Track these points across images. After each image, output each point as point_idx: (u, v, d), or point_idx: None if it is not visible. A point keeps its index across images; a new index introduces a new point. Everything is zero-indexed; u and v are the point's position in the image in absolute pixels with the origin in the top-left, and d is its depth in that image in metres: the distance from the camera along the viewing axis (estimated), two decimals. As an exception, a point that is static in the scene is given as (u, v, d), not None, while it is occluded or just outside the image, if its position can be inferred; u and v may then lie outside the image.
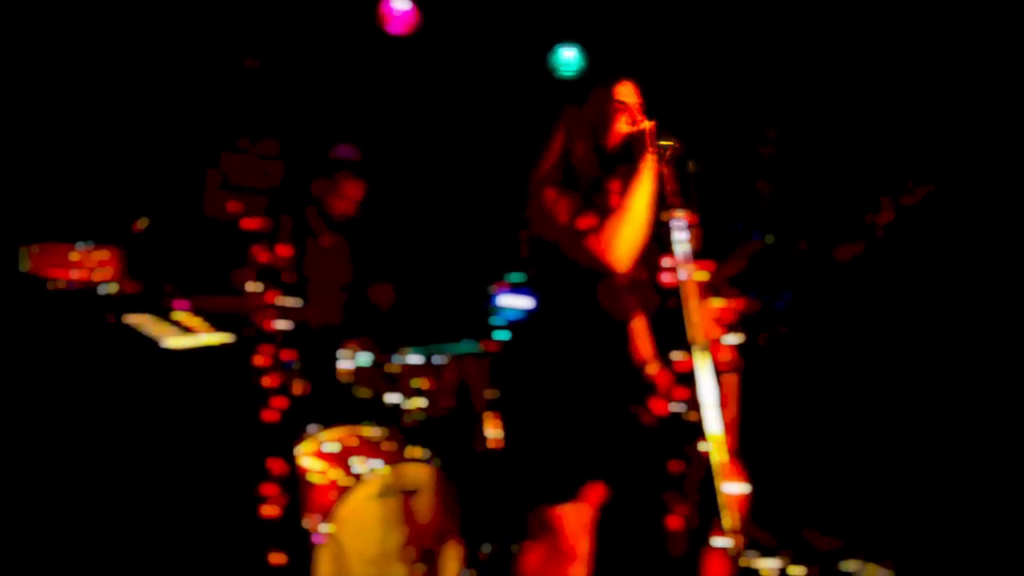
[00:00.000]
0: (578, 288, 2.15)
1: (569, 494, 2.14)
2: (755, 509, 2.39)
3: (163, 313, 2.68)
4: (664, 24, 4.01)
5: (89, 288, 2.47)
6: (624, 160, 2.12)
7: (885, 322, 3.55)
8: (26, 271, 1.75)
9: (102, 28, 3.41)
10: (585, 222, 2.08)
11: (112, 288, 2.47)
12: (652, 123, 2.05)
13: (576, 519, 2.15)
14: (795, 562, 3.27)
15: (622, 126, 2.12)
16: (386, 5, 4.02)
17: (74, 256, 1.79)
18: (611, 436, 2.17)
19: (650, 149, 2.02)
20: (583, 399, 2.17)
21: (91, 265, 1.81)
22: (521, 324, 2.33)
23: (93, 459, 2.56)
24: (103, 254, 1.82)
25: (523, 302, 2.84)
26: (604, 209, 2.12)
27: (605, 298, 2.14)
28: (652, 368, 2.17)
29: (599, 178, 2.16)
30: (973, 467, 3.36)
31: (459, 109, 4.30)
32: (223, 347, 2.60)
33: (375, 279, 3.58)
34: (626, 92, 2.16)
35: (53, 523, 2.65)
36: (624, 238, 2.02)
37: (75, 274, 1.79)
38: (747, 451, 2.34)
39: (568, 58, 4.26)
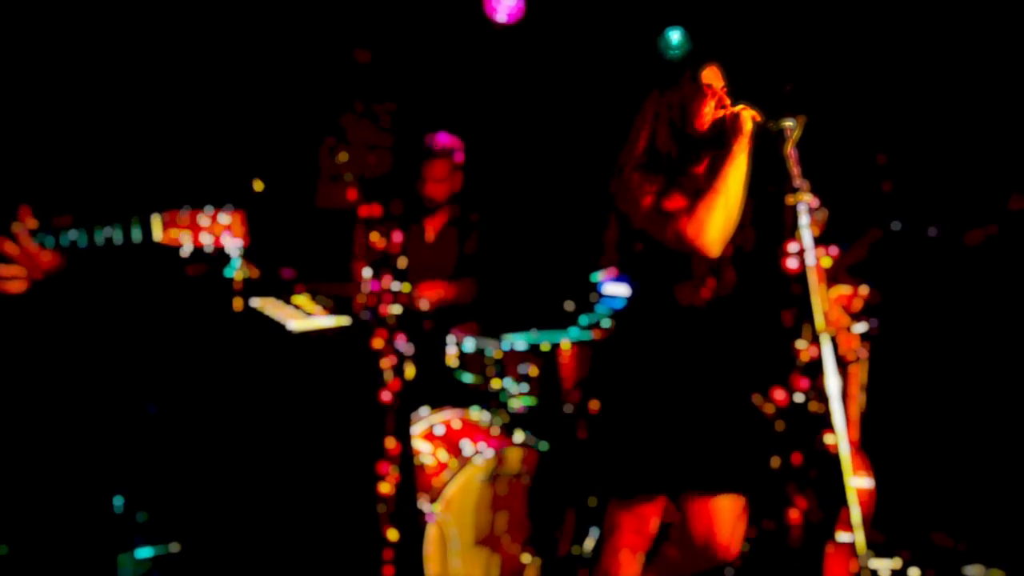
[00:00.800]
0: (675, 273, 2.11)
1: (643, 488, 2.15)
2: (879, 505, 2.29)
3: (285, 297, 2.81)
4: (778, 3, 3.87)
5: (218, 259, 2.60)
6: (711, 145, 2.08)
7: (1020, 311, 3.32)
8: (159, 240, 1.77)
9: (215, 23, 3.56)
10: (672, 203, 2.04)
11: (239, 256, 2.58)
12: (743, 106, 1.99)
13: (646, 516, 2.14)
14: (915, 563, 3.13)
15: (709, 110, 2.07)
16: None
17: (202, 221, 1.79)
18: (725, 430, 2.13)
19: (743, 132, 1.96)
20: (698, 389, 2.14)
21: (218, 230, 1.80)
22: (626, 312, 2.28)
23: (223, 435, 2.71)
24: (229, 218, 1.81)
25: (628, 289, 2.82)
26: (690, 192, 2.07)
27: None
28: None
29: (685, 162, 2.12)
30: None
31: (561, 93, 4.28)
32: (341, 330, 2.69)
33: (465, 271, 3.62)
34: (712, 75, 2.10)
35: (181, 491, 2.83)
36: (716, 221, 1.98)
37: (204, 239, 1.79)
38: (872, 445, 2.24)
39: (677, 40, 4.17)
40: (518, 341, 3.26)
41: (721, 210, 1.98)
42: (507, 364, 3.25)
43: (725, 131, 2.01)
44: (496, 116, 4.25)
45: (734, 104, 2.04)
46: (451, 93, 4.20)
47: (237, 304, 2.76)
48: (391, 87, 4.17)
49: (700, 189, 2.04)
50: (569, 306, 3.80)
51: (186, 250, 1.80)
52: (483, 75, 4.28)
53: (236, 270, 2.79)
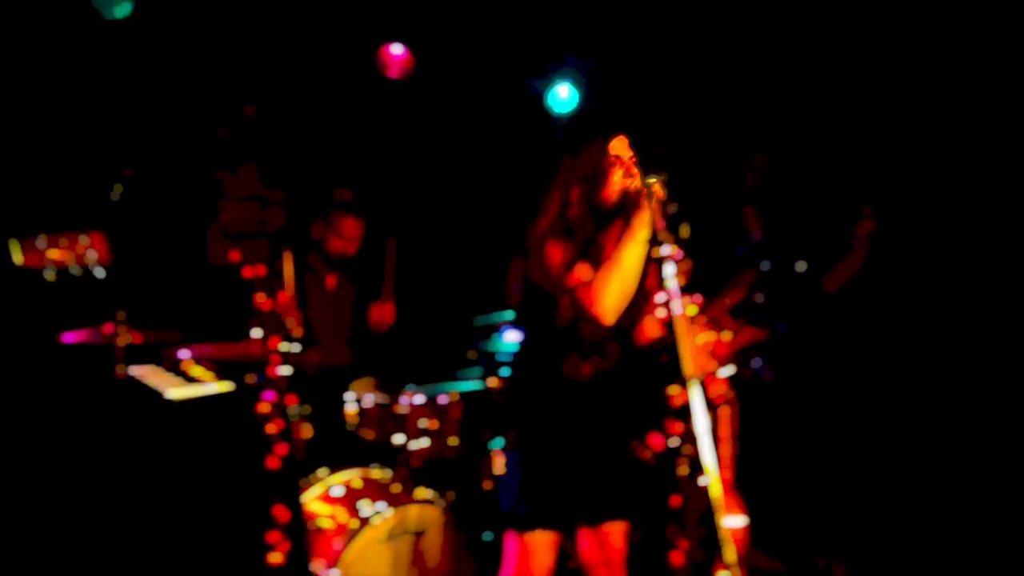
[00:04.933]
0: (568, 330, 2.18)
1: (536, 523, 2.19)
2: (759, 537, 2.37)
3: (167, 363, 2.72)
4: (644, 59, 4.09)
5: (85, 279, 2.48)
6: (619, 213, 2.15)
7: (881, 345, 3.54)
8: (20, 264, 1.82)
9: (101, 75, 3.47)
10: (578, 274, 2.11)
11: (120, 336, 2.50)
12: (652, 181, 2.02)
13: (539, 549, 2.19)
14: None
15: (617, 179, 2.14)
16: (386, 50, 4.10)
17: (63, 243, 1.86)
18: (608, 472, 2.19)
19: (644, 207, 2.02)
20: (579, 435, 2.19)
21: (80, 251, 1.88)
22: (516, 361, 2.35)
23: (99, 508, 2.58)
24: (90, 238, 1.89)
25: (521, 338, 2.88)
26: (599, 261, 2.14)
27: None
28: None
29: (594, 230, 2.19)
30: (977, 492, 3.32)
31: (455, 147, 4.37)
32: (226, 395, 2.63)
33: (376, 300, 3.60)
34: (620, 146, 2.18)
35: (57, 569, 2.67)
36: (612, 291, 2.05)
37: (68, 259, 1.87)
38: (746, 483, 2.33)
39: (563, 95, 4.32)
40: (417, 394, 3.25)
41: (618, 281, 2.05)
42: (407, 418, 3.23)
43: (629, 202, 2.08)
44: (391, 169, 4.29)
45: (643, 175, 2.09)
46: (345, 147, 4.22)
47: (119, 371, 2.65)
48: (283, 141, 4.15)
49: (605, 258, 2.11)
50: (471, 355, 3.81)
51: (49, 272, 1.85)
52: (378, 129, 4.32)
53: (119, 336, 2.69)
